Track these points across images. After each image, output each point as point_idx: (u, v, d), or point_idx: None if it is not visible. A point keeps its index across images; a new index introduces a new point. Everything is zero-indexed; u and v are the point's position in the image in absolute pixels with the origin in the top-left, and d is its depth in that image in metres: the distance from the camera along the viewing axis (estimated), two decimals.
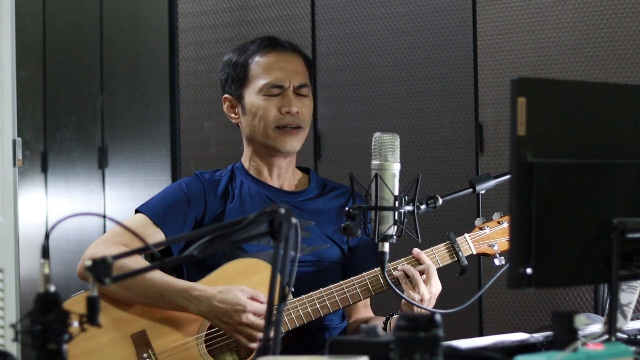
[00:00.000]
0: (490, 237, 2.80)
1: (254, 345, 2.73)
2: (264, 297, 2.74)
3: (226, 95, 3.03)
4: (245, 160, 3.05)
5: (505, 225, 2.80)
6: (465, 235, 2.80)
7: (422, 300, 2.68)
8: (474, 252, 2.80)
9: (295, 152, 3.01)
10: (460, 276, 2.79)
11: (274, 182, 3.02)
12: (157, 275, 2.80)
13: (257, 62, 2.98)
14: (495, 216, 2.83)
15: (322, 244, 2.96)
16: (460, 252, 2.77)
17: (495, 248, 2.79)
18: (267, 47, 2.99)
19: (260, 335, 2.72)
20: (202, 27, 4.99)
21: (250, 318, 2.72)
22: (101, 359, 2.75)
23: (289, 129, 2.94)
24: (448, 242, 2.78)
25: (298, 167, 3.08)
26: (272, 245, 1.98)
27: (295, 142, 2.96)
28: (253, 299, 2.74)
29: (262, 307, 2.73)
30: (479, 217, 2.89)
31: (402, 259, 2.78)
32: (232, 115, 3.03)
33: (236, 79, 3.00)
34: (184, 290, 2.77)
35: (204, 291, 2.75)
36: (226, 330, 2.75)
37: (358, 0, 4.42)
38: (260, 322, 2.72)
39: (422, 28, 4.23)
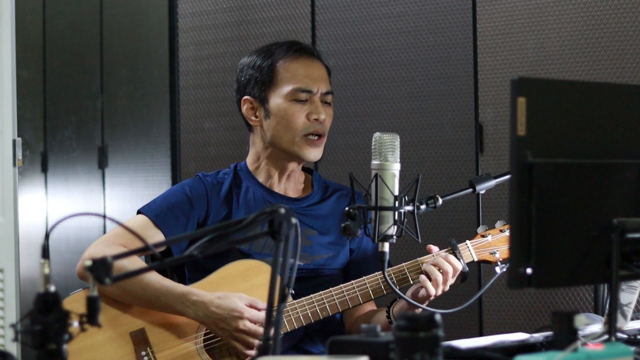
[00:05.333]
0: (492, 245, 2.80)
1: (251, 352, 2.73)
2: (262, 303, 2.74)
3: (247, 97, 2.99)
4: (253, 162, 3.02)
5: (508, 233, 2.79)
6: (467, 242, 2.80)
7: (439, 294, 2.73)
8: (475, 259, 2.80)
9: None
10: (462, 283, 2.79)
11: (280, 187, 3.00)
12: (155, 279, 2.79)
13: (285, 66, 2.96)
14: (498, 224, 2.83)
15: (324, 253, 2.96)
16: (461, 259, 2.77)
17: (497, 255, 2.79)
18: (296, 52, 2.97)
19: (257, 342, 2.71)
20: (202, 27, 4.99)
21: (247, 325, 2.72)
22: (100, 356, 2.76)
23: (314, 139, 2.93)
24: (449, 248, 2.78)
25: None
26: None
27: (318, 153, 2.95)
28: (251, 306, 2.74)
29: (260, 314, 2.72)
30: (479, 219, 2.90)
31: (403, 264, 2.78)
32: (253, 117, 2.99)
33: (261, 81, 2.96)
34: (181, 295, 2.76)
35: (202, 296, 2.75)
36: (222, 337, 2.75)
37: (358, 0, 4.42)
38: (258, 328, 2.71)
39: (422, 28, 4.23)
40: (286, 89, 2.94)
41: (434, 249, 2.79)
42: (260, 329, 2.71)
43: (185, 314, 2.76)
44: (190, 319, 2.77)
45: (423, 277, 2.72)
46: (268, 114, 2.96)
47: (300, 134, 2.92)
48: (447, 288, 2.74)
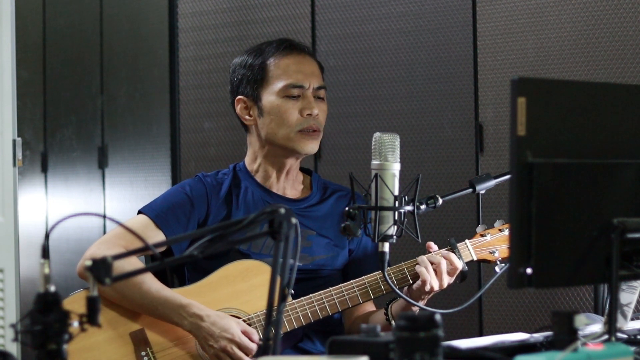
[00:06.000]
0: (491, 244, 2.80)
1: None
2: (257, 335, 2.73)
3: (240, 97, 3.00)
4: (251, 162, 3.02)
5: (507, 232, 2.79)
6: (467, 241, 2.80)
7: (435, 288, 2.72)
8: (475, 258, 2.80)
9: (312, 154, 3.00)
10: (461, 282, 2.79)
11: (279, 187, 3.00)
12: (155, 288, 2.78)
13: (276, 63, 2.96)
14: (497, 224, 2.83)
15: (324, 253, 2.95)
16: (461, 258, 2.76)
17: (496, 255, 2.79)
18: (286, 49, 2.98)
19: None
20: (202, 27, 4.99)
21: (234, 349, 2.71)
22: (100, 356, 2.76)
23: (310, 132, 2.93)
24: (449, 247, 2.78)
25: (300, 169, 3.06)
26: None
27: (315, 145, 2.95)
28: (245, 334, 2.73)
29: (250, 345, 2.71)
30: (479, 219, 2.89)
31: (402, 263, 2.78)
32: (247, 117, 2.99)
33: (253, 80, 2.97)
34: (179, 307, 2.75)
35: (201, 310, 2.74)
36: (208, 353, 2.74)
37: (358, 0, 4.42)
38: (243, 356, 2.71)
39: (422, 28, 4.23)
40: (278, 85, 2.94)
41: (434, 246, 2.78)
42: (245, 358, 2.71)
43: (180, 325, 2.75)
44: (185, 330, 2.76)
45: (419, 267, 2.73)
46: (262, 112, 2.96)
47: (294, 129, 2.92)
48: (444, 284, 2.74)
